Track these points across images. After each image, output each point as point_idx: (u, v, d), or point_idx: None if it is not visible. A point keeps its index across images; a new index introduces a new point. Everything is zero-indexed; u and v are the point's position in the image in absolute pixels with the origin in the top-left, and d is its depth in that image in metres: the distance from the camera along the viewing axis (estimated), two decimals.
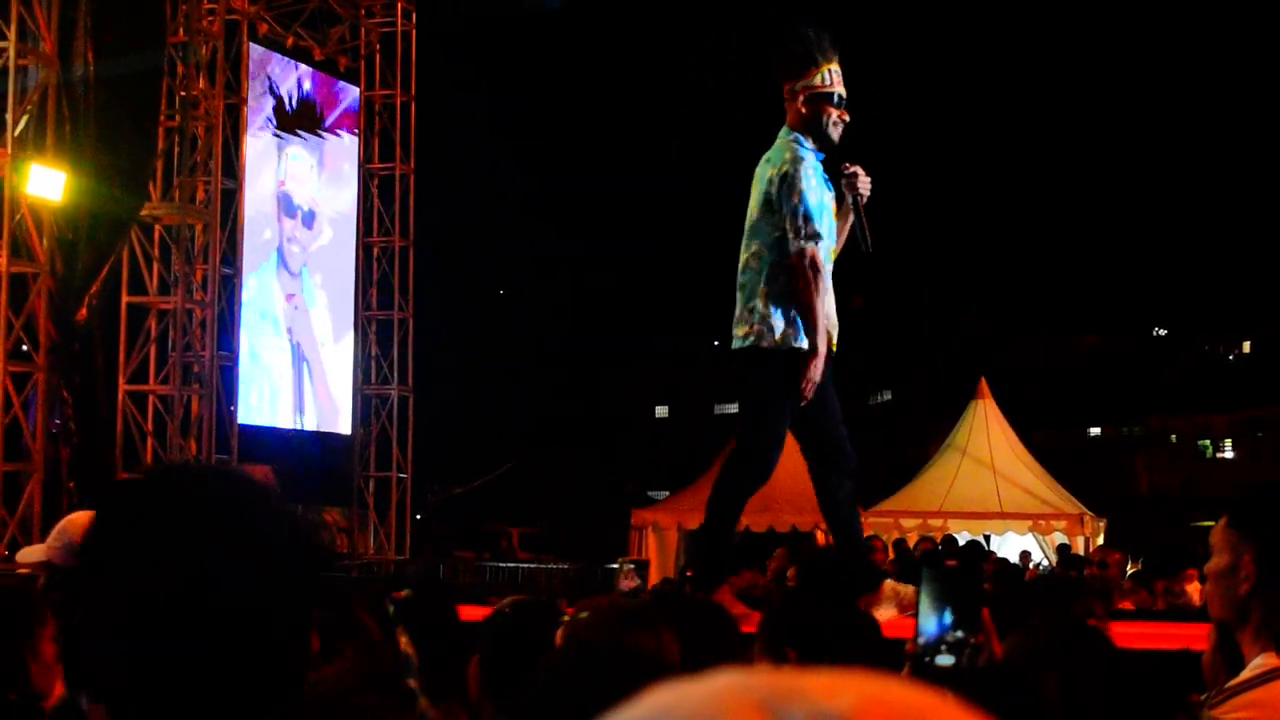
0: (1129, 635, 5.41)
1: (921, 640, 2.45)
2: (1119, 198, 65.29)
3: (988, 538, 22.34)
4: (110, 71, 19.42)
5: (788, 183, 7.11)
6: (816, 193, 7.11)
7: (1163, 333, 65.44)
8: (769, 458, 7.25)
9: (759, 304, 7.16)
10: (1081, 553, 19.29)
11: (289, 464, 25.48)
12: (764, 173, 7.24)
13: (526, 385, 55.67)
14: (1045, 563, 21.05)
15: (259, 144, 24.97)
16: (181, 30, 22.10)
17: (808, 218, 7.04)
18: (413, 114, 27.55)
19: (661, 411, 68.21)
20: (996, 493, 22.55)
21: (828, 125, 7.21)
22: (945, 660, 2.41)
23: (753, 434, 7.27)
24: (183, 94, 22.12)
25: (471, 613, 4.76)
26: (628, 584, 14.10)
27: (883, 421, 60.17)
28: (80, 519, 4.32)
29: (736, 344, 7.28)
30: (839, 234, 7.46)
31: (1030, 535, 22.31)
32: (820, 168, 7.23)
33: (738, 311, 7.28)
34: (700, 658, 3.66)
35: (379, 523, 27.02)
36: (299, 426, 26.73)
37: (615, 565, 24.24)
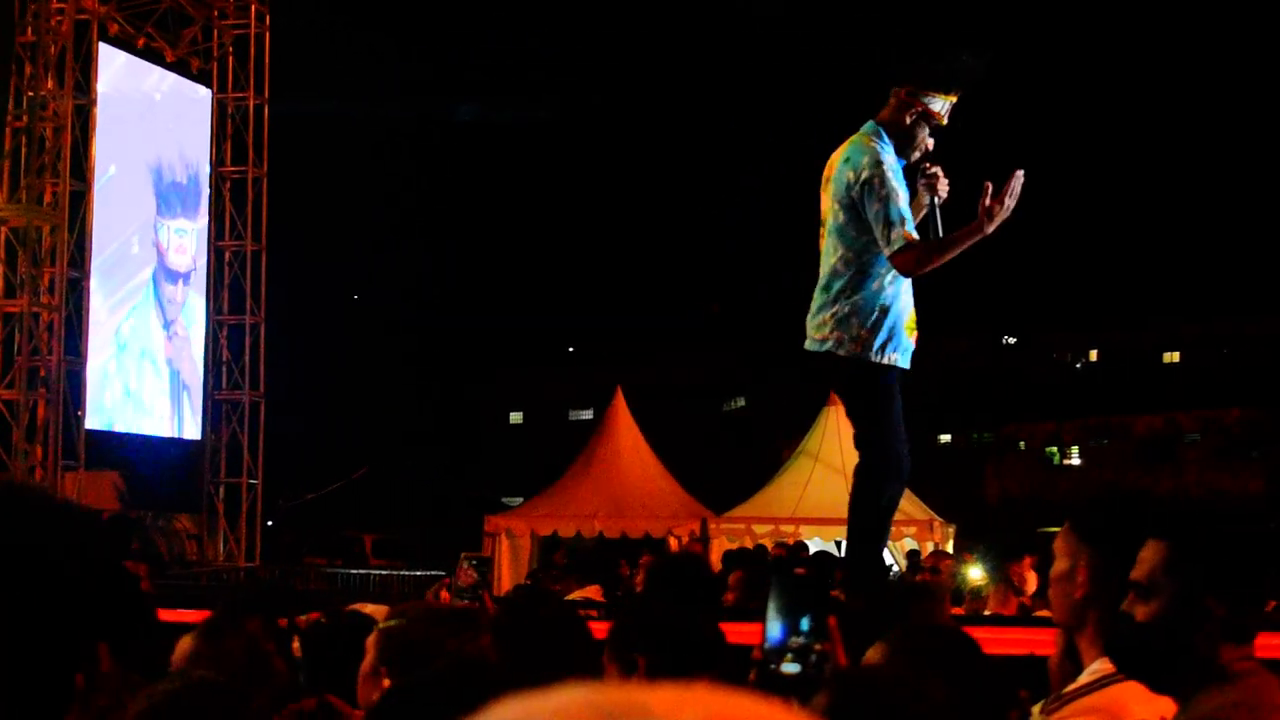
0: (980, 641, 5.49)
1: (768, 647, 2.48)
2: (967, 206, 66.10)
3: (839, 544, 22.53)
4: None
5: (870, 189, 6.99)
6: (902, 194, 7.03)
7: (1012, 340, 66.17)
8: (901, 459, 7.61)
9: (843, 311, 7.09)
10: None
11: (138, 470, 25.11)
12: (843, 174, 7.10)
13: (380, 390, 55.25)
14: (895, 568, 21.27)
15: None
16: (30, 29, 21.72)
17: (890, 224, 6.93)
18: (265, 116, 27.23)
19: (516, 418, 67.96)
20: (849, 499, 22.66)
21: (916, 146, 7.21)
22: (791, 668, 2.45)
23: (879, 441, 7.56)
24: (30, 94, 21.73)
25: None
26: (465, 579, 13.97)
27: (736, 427, 60.45)
28: None
29: (811, 345, 7.23)
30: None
31: None
32: (899, 168, 7.15)
33: (818, 313, 7.18)
34: (546, 665, 3.69)
35: (229, 529, 26.70)
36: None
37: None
